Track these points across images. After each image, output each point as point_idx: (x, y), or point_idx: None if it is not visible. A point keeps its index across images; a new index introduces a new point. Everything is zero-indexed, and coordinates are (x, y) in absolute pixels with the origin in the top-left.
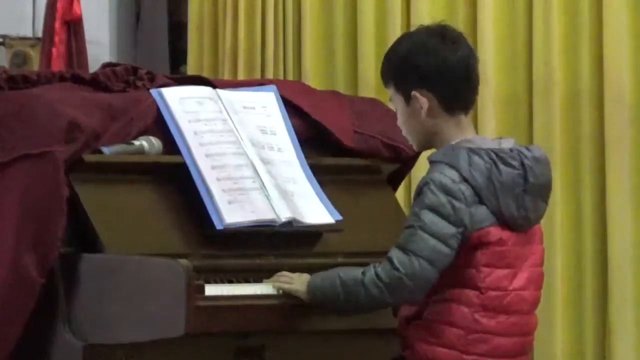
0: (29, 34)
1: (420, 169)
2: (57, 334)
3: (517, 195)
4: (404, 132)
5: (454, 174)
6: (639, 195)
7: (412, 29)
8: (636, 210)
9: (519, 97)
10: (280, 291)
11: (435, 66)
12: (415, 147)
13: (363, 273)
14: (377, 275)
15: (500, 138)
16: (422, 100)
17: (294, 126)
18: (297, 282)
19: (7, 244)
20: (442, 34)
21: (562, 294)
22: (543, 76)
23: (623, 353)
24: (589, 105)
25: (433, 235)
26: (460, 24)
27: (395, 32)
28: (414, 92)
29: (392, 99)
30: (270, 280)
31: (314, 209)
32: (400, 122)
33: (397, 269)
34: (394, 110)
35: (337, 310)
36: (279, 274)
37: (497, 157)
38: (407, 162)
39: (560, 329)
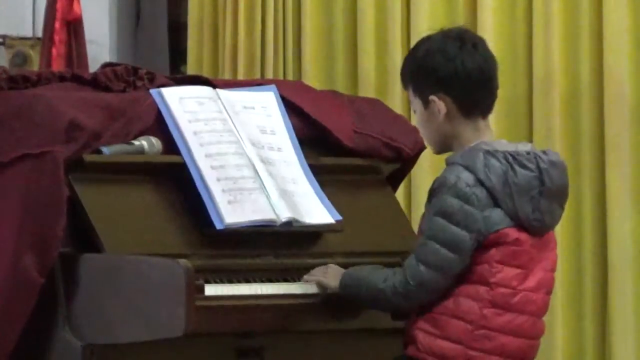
0: (29, 34)
1: (421, 169)
2: (57, 334)
3: (532, 198)
4: (422, 135)
5: (469, 177)
6: (639, 195)
7: (433, 31)
8: (636, 210)
9: (519, 97)
10: (313, 284)
11: (453, 71)
12: (433, 150)
13: (385, 281)
14: (394, 285)
15: (518, 142)
16: (440, 104)
17: (294, 126)
18: (331, 276)
19: (7, 244)
20: (461, 38)
21: (562, 294)
22: (543, 76)
23: (623, 353)
24: (589, 105)
25: (443, 243)
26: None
27: (395, 31)
28: (431, 97)
29: (411, 102)
30: (306, 276)
31: (314, 209)
32: (418, 124)
33: (408, 281)
34: (414, 112)
35: (366, 307)
36: (312, 271)
37: (514, 159)
38: (407, 162)
39: (560, 329)
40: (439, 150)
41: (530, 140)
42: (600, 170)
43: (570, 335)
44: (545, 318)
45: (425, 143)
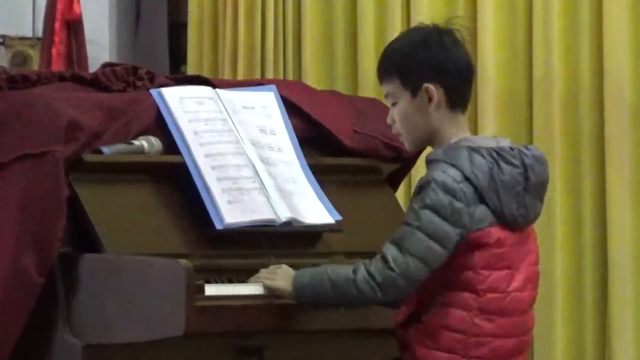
0: (29, 34)
1: (421, 169)
2: (57, 334)
3: (517, 194)
4: (401, 129)
5: (456, 173)
6: (639, 195)
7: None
8: (636, 210)
9: (519, 97)
10: (264, 289)
11: (450, 62)
12: (409, 146)
13: (354, 272)
14: (369, 273)
15: (496, 137)
16: (434, 92)
17: (294, 126)
18: (280, 279)
19: (7, 244)
20: (451, 33)
21: (562, 294)
22: (543, 76)
23: (623, 353)
24: (589, 105)
25: (430, 235)
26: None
27: (395, 32)
28: (426, 84)
29: (390, 95)
30: (253, 278)
31: (314, 209)
32: (398, 118)
33: (391, 269)
34: (393, 105)
35: (326, 307)
36: (261, 270)
37: (499, 155)
38: (407, 162)
39: (560, 329)
40: (416, 146)
41: (530, 140)
42: (600, 170)
43: (570, 335)
44: (545, 317)
45: (402, 138)
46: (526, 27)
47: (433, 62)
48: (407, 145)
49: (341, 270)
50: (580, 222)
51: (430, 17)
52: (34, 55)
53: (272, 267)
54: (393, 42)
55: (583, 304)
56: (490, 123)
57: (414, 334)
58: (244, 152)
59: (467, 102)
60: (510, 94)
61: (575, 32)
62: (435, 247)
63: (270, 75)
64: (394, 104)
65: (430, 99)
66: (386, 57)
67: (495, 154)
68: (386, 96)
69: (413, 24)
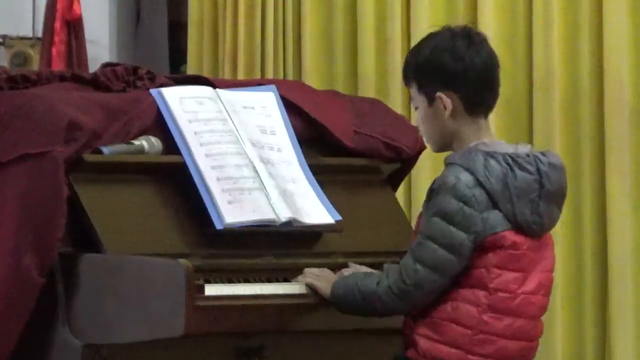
0: (29, 34)
1: (421, 169)
2: (57, 334)
3: (532, 201)
4: (423, 133)
5: (468, 178)
6: (639, 195)
7: (435, 29)
8: (636, 210)
9: (519, 97)
10: (306, 287)
11: (461, 68)
12: (432, 148)
13: (378, 284)
14: (389, 286)
15: (517, 143)
16: (447, 101)
17: (294, 126)
18: (323, 281)
19: (7, 244)
20: (468, 36)
21: (562, 294)
22: (543, 76)
23: (623, 353)
24: (589, 105)
25: (440, 244)
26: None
27: (395, 32)
28: (439, 93)
29: (413, 99)
30: (300, 277)
31: (314, 209)
32: (420, 122)
33: (404, 281)
34: (415, 110)
35: (359, 315)
36: (306, 270)
37: (514, 161)
38: (407, 162)
39: (560, 329)
40: (438, 149)
41: (530, 140)
42: (600, 170)
43: (570, 335)
44: (545, 318)
45: (425, 141)
46: (526, 27)
47: (445, 71)
48: (430, 147)
49: (369, 282)
50: (580, 222)
51: (430, 18)
52: (34, 55)
53: (316, 269)
54: (413, 48)
55: (583, 304)
56: (490, 123)
57: (419, 327)
58: (244, 152)
59: (489, 106)
60: (511, 94)
61: (575, 32)
62: (447, 255)
63: (270, 75)
64: (416, 108)
65: (445, 107)
66: (406, 63)
67: (510, 160)
68: (410, 100)
69: (413, 24)
